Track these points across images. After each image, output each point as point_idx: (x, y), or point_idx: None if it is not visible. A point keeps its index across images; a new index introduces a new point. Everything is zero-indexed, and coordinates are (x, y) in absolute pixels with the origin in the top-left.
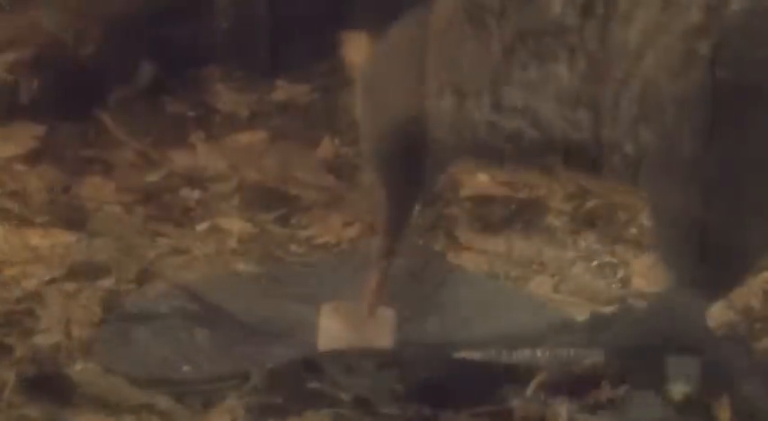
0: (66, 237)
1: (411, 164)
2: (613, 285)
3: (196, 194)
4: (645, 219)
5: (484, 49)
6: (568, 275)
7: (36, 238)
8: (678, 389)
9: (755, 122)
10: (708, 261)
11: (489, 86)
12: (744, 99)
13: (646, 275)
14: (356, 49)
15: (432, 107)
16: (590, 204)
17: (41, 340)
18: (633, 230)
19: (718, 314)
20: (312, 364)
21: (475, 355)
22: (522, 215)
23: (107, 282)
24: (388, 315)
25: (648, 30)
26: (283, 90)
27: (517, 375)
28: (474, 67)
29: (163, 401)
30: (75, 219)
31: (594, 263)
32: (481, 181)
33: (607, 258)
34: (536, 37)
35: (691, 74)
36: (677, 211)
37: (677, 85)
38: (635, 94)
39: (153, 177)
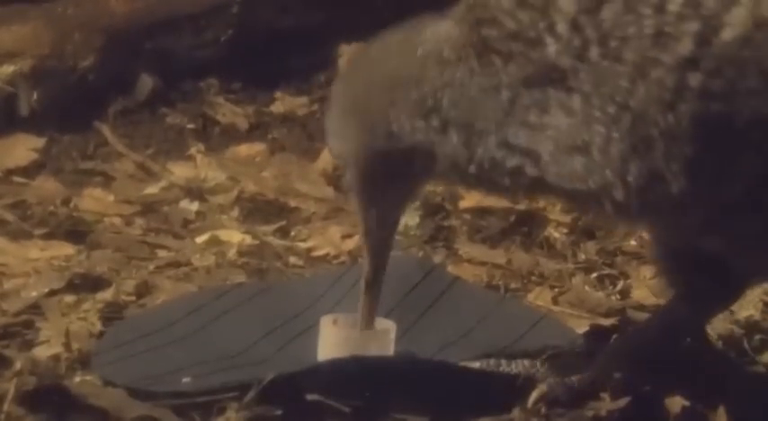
0: (66, 250)
1: (394, 182)
2: (613, 297)
3: (195, 206)
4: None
5: (492, 89)
6: (568, 287)
7: (35, 251)
8: None
9: (744, 153)
10: (706, 276)
11: (495, 125)
12: (734, 131)
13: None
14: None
15: (435, 142)
16: (589, 216)
17: (41, 352)
18: (633, 242)
19: (718, 326)
20: (311, 376)
21: (474, 365)
22: (521, 227)
23: (106, 294)
24: (388, 326)
25: (639, 64)
26: (282, 102)
27: (517, 386)
28: (481, 104)
29: (162, 413)
30: (74, 231)
31: (594, 274)
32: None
33: (606, 270)
34: (538, 82)
35: (681, 106)
36: (672, 238)
37: (667, 118)
38: (625, 130)
39: (152, 189)
